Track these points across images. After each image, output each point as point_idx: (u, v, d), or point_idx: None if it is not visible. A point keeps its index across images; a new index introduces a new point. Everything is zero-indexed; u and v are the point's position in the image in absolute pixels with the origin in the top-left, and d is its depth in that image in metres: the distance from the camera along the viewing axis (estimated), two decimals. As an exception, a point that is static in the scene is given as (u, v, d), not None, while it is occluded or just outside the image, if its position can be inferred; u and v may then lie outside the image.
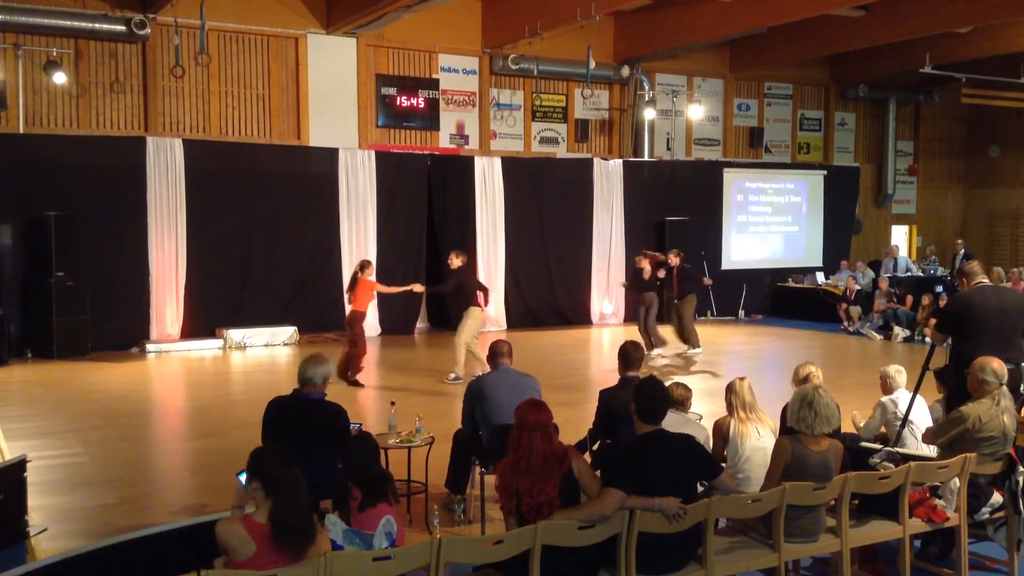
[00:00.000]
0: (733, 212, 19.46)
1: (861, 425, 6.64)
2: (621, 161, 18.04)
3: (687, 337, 13.69)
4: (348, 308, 11.42)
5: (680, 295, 13.85)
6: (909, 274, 19.26)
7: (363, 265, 11.27)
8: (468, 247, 16.38)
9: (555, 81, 17.97)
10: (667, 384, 5.09)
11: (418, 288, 12.24)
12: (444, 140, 17.14)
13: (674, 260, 13.88)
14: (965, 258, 16.83)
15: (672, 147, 19.17)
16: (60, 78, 13.69)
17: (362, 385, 11.01)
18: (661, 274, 13.70)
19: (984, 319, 6.25)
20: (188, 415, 10.36)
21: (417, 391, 10.79)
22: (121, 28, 13.90)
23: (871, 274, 18.58)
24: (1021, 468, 5.21)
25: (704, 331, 14.64)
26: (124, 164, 13.82)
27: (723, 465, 4.99)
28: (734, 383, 5.56)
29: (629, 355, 6.01)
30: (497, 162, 16.76)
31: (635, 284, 13.86)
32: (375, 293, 11.57)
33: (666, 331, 13.86)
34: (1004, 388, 5.36)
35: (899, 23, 15.91)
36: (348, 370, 11.04)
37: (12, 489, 4.84)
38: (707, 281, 15.13)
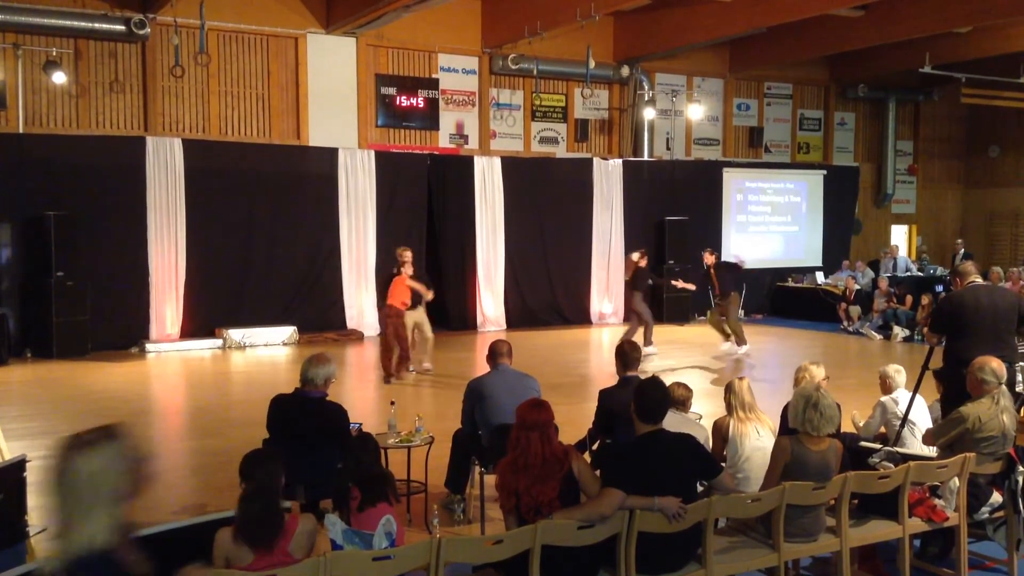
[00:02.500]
0: (733, 212, 19.47)
1: (861, 425, 6.64)
2: (621, 161, 18.04)
3: (738, 335, 13.73)
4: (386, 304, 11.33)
5: (723, 294, 13.77)
6: (909, 274, 19.28)
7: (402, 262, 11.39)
8: (468, 247, 16.44)
9: (555, 81, 17.97)
10: (667, 384, 5.09)
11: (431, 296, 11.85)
12: (444, 140, 17.14)
13: (709, 259, 13.92)
14: (964, 258, 16.84)
15: (672, 147, 19.17)
16: (60, 78, 13.68)
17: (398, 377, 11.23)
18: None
19: (976, 318, 6.26)
20: (188, 415, 10.36)
21: (417, 391, 10.80)
22: (121, 28, 13.89)
23: (871, 274, 18.60)
24: (1021, 468, 5.21)
25: (704, 331, 14.65)
26: (124, 164, 13.82)
27: (723, 465, 4.99)
28: (733, 383, 5.57)
29: (627, 355, 6.01)
30: (497, 162, 16.76)
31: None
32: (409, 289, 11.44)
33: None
34: (1003, 387, 5.37)
35: (899, 23, 15.91)
36: (402, 366, 11.21)
37: (12, 489, 4.83)
38: (742, 262, 14.79)
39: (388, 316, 11.23)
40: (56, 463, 2.40)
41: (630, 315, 13.92)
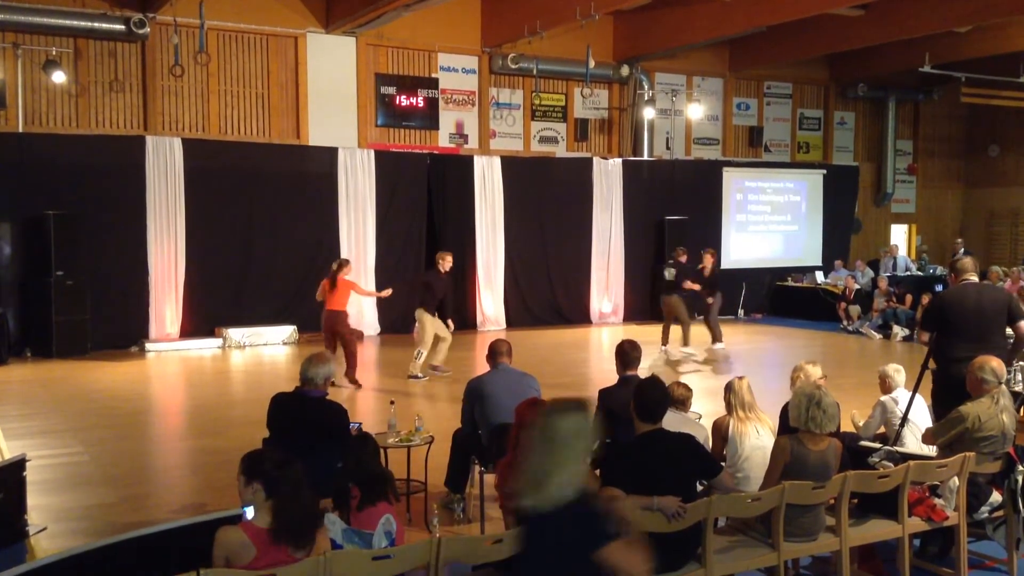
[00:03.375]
0: (732, 211, 19.47)
1: (860, 424, 6.64)
2: (620, 160, 18.03)
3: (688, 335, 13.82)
4: (326, 309, 10.95)
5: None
6: (908, 273, 19.27)
7: (341, 264, 11.20)
8: (467, 246, 16.43)
9: (554, 80, 17.97)
10: (667, 384, 5.09)
11: (387, 293, 12.24)
12: (443, 139, 17.14)
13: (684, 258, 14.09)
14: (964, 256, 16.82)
15: (671, 146, 19.17)
16: (59, 77, 13.67)
17: (360, 385, 10.98)
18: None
19: (961, 317, 6.27)
20: (188, 414, 10.36)
21: (416, 390, 10.80)
22: (120, 27, 13.89)
23: (871, 273, 18.59)
24: (1020, 467, 5.21)
25: (703, 330, 14.67)
26: (123, 163, 13.82)
27: (722, 464, 4.99)
28: (733, 382, 5.57)
29: (627, 355, 6.00)
30: (496, 161, 16.76)
31: (701, 281, 14.18)
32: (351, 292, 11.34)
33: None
34: (1003, 387, 5.37)
35: (898, 22, 15.91)
36: (349, 371, 11.01)
37: (11, 488, 4.83)
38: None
39: (342, 322, 10.96)
40: (540, 423, 2.87)
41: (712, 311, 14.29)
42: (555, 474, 2.80)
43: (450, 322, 11.62)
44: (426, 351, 11.36)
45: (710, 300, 14.25)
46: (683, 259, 13.97)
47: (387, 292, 12.24)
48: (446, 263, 11.57)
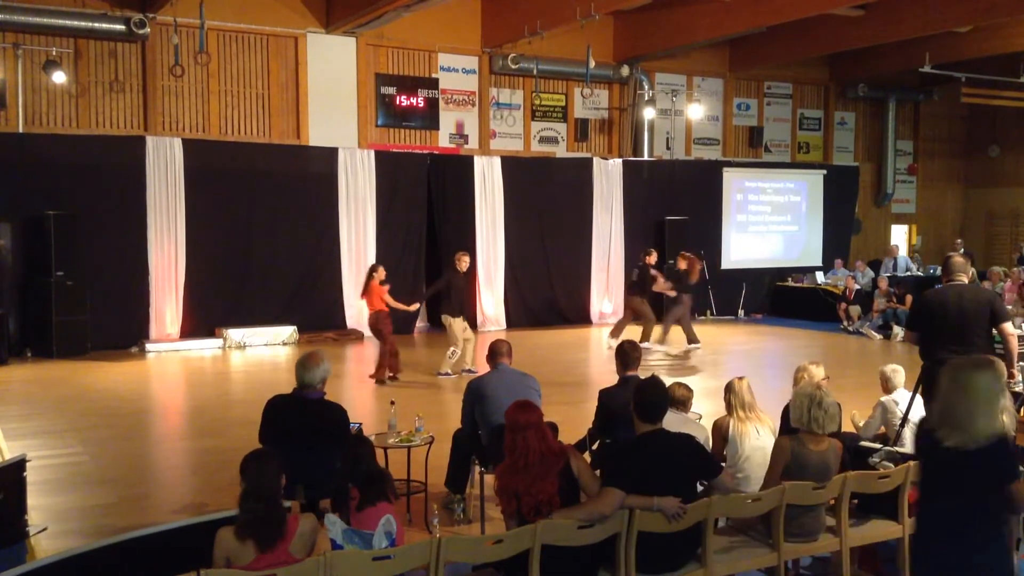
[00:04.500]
0: (733, 211, 19.45)
1: (861, 425, 6.64)
2: (621, 160, 18.03)
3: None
4: (367, 311, 11.65)
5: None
6: (909, 273, 19.26)
7: (371, 270, 11.56)
8: (467, 247, 16.40)
9: (555, 80, 17.97)
10: (668, 384, 5.09)
11: (415, 307, 12.59)
12: (444, 139, 17.14)
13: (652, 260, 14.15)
14: (963, 256, 16.79)
15: (672, 146, 19.16)
16: (60, 77, 13.67)
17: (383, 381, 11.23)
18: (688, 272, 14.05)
19: (941, 318, 6.27)
20: (188, 414, 10.36)
21: (417, 390, 10.80)
22: (121, 27, 13.89)
23: (871, 273, 18.58)
24: (1021, 467, 5.20)
25: (704, 330, 14.70)
26: (124, 163, 13.82)
27: (722, 465, 4.99)
28: (733, 383, 5.57)
29: (627, 355, 6.00)
30: (497, 161, 16.76)
31: (681, 284, 14.03)
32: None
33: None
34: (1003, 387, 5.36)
35: (899, 22, 15.91)
36: (387, 371, 11.26)
37: (12, 488, 4.83)
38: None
39: (382, 321, 11.27)
40: (957, 375, 3.47)
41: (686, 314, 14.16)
42: (978, 417, 3.37)
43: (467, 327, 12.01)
44: (460, 350, 11.59)
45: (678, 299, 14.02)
46: (651, 260, 13.99)
47: (415, 306, 12.56)
48: (463, 263, 11.75)
